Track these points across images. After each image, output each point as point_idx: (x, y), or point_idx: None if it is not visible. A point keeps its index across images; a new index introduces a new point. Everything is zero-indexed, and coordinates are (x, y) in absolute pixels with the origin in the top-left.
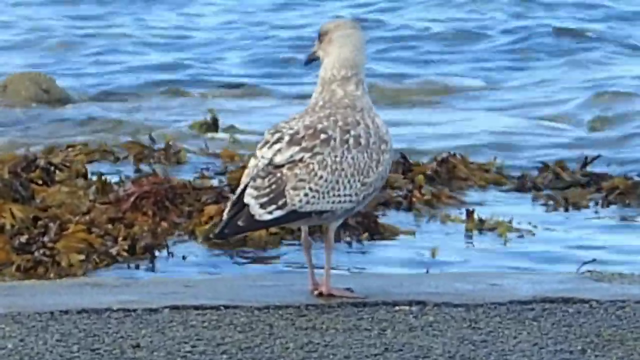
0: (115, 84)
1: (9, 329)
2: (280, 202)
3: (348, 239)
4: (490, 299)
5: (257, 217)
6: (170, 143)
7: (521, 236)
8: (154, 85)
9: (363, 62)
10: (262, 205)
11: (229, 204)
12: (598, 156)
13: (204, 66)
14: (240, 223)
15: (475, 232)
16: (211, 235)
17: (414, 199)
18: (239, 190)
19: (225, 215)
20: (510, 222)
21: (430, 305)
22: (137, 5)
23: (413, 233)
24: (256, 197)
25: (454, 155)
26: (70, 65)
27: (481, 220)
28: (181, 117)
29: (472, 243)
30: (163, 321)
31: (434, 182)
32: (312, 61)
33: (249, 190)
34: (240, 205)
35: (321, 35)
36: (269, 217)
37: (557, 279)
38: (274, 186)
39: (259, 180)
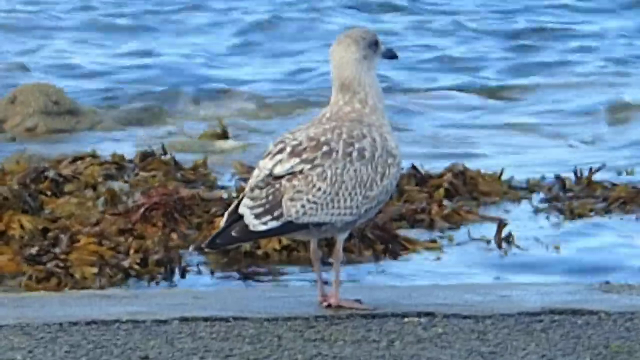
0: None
1: (17, 340)
2: (276, 213)
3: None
4: (499, 311)
5: (251, 228)
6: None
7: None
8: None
9: (362, 79)
10: (257, 216)
11: (225, 214)
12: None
13: None
14: (233, 233)
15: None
16: (203, 245)
17: (432, 213)
18: (237, 200)
19: (221, 225)
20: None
21: (439, 317)
22: None
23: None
24: (251, 208)
25: (466, 168)
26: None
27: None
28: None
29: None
30: (172, 332)
31: (449, 195)
32: None
33: (245, 201)
34: (236, 216)
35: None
36: (263, 227)
37: (565, 290)
38: (270, 197)
39: (256, 191)
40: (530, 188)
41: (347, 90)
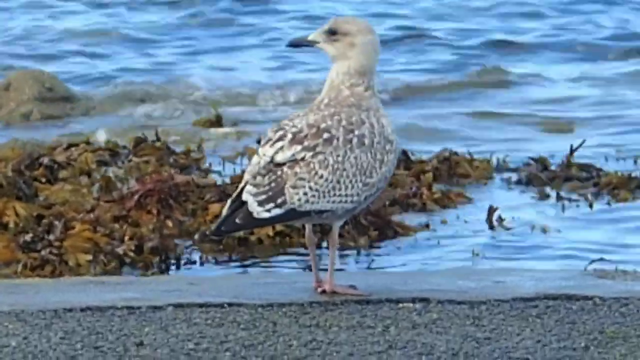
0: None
1: (12, 326)
2: (279, 201)
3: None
4: (494, 296)
5: (255, 215)
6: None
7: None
8: None
9: (375, 69)
10: (261, 203)
11: (228, 202)
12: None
13: None
14: (238, 220)
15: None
16: (207, 233)
17: (424, 197)
18: (239, 187)
19: (223, 213)
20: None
21: (434, 303)
22: None
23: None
24: (255, 195)
25: (455, 152)
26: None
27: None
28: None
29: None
30: (167, 319)
31: (436, 180)
32: (300, 47)
33: (248, 188)
34: (238, 203)
35: (337, 33)
36: (267, 215)
37: (560, 275)
38: (273, 184)
39: (258, 178)
40: (516, 170)
41: (363, 76)
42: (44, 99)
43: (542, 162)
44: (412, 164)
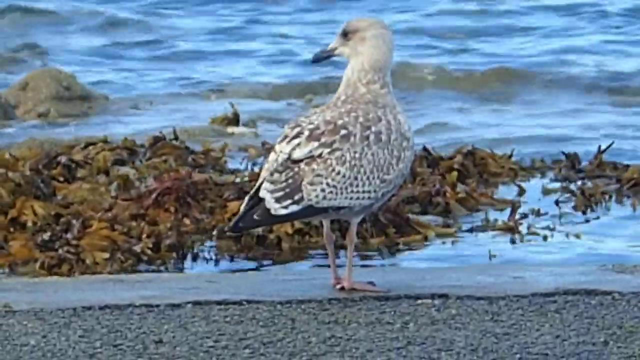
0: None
1: (31, 325)
2: (296, 197)
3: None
4: (513, 292)
5: (272, 212)
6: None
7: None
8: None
9: (390, 64)
10: (278, 200)
11: (246, 198)
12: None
13: None
14: (256, 217)
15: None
16: (226, 229)
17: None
18: (257, 184)
19: (241, 209)
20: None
21: (453, 299)
22: None
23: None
24: (272, 192)
25: (477, 148)
26: None
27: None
28: None
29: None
30: (185, 316)
31: (461, 177)
32: (325, 59)
33: (265, 185)
34: (256, 200)
35: (349, 33)
36: (284, 211)
37: (579, 271)
38: (290, 181)
39: (276, 175)
40: (539, 168)
41: (378, 72)
42: (61, 98)
43: (571, 160)
44: (433, 160)
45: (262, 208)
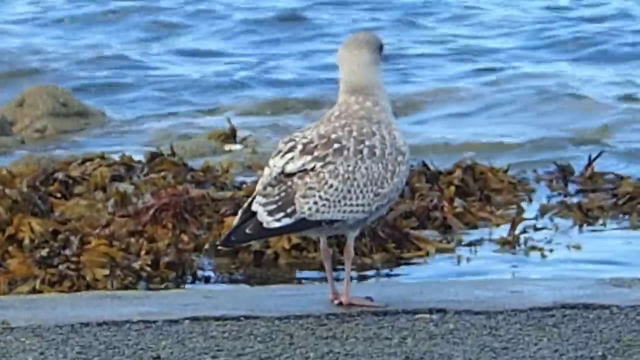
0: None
1: (29, 342)
2: (289, 210)
3: None
4: (511, 306)
5: (265, 225)
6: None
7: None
8: None
9: (374, 82)
10: (270, 213)
11: (239, 212)
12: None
13: None
14: (248, 230)
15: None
16: (217, 243)
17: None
18: (250, 198)
19: (234, 223)
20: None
21: (451, 313)
22: None
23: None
24: (264, 205)
25: (476, 162)
26: None
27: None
28: None
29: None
30: (183, 332)
31: (459, 192)
32: None
33: (257, 198)
34: (249, 214)
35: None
36: (277, 224)
37: (577, 285)
38: (283, 194)
39: (269, 189)
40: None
41: (360, 93)
42: (58, 114)
43: (564, 172)
44: (431, 175)
45: (254, 222)
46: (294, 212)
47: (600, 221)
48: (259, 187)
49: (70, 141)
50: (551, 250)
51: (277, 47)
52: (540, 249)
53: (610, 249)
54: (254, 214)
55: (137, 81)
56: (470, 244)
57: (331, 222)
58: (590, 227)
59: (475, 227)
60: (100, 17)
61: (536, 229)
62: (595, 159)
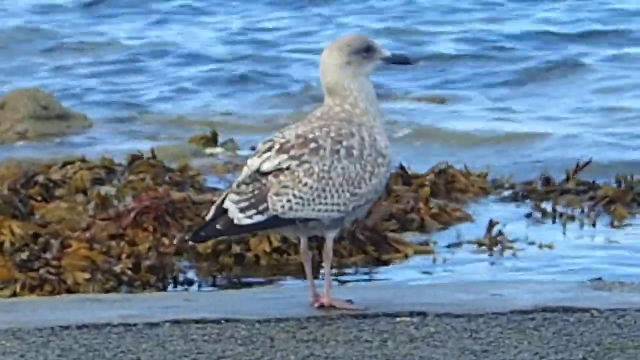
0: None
1: (9, 344)
2: (261, 207)
3: None
4: (491, 309)
5: (235, 221)
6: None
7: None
8: None
9: (343, 84)
10: (242, 210)
11: (212, 209)
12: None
13: None
14: (218, 226)
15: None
16: (187, 238)
17: (421, 212)
18: (223, 195)
19: (206, 219)
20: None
21: (431, 316)
22: None
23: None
24: (237, 202)
25: (451, 166)
26: None
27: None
28: None
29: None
30: (164, 335)
31: (433, 194)
32: None
33: (230, 195)
34: (222, 210)
35: None
36: (248, 221)
37: (557, 288)
38: (256, 192)
39: (242, 186)
40: (512, 186)
41: (335, 95)
42: (39, 118)
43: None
44: (409, 178)
45: (225, 218)
46: (266, 209)
47: (578, 223)
48: (233, 185)
49: (51, 144)
50: (528, 253)
51: None
52: (518, 251)
53: (589, 251)
54: (226, 210)
55: None
56: (448, 246)
57: (306, 220)
58: (569, 229)
59: (450, 225)
60: None
61: (512, 231)
62: (583, 167)
